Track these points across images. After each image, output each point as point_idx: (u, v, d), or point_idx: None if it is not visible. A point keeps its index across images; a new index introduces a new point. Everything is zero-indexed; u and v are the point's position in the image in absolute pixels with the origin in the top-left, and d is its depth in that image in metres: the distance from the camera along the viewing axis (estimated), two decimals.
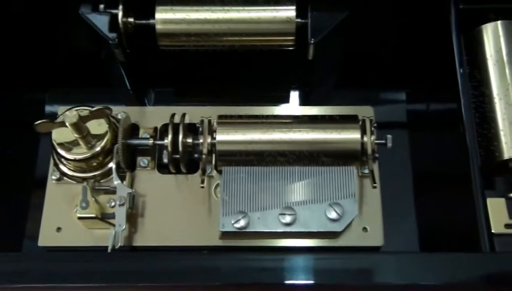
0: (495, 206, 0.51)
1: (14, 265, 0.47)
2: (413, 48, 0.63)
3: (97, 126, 0.56)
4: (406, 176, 0.64)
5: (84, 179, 0.57)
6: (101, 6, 0.57)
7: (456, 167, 0.55)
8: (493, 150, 0.52)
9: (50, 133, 0.56)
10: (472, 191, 0.50)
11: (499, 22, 0.55)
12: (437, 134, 0.61)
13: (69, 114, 0.53)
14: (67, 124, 0.53)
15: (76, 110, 0.54)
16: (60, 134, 0.56)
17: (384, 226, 0.56)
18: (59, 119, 0.54)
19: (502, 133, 0.52)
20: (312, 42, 0.55)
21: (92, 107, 0.56)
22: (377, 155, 0.55)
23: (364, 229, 0.56)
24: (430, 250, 0.59)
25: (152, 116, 0.61)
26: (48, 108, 0.67)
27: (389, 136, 0.55)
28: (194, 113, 0.59)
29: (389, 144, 0.55)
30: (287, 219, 0.53)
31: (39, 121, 0.53)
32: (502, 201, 0.51)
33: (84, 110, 0.55)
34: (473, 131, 0.52)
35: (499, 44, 0.54)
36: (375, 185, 0.55)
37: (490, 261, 0.47)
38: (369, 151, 0.54)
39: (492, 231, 0.50)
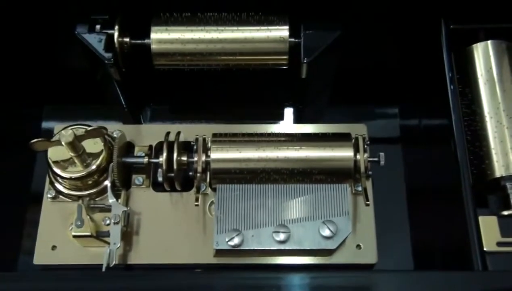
0: (487, 224, 0.51)
1: (9, 284, 0.47)
2: (405, 66, 0.64)
3: (93, 144, 0.57)
4: (399, 192, 0.64)
5: (79, 197, 0.57)
6: (97, 26, 0.57)
7: (449, 184, 0.55)
8: (484, 168, 0.52)
9: (46, 151, 0.56)
10: (464, 208, 0.51)
11: (489, 42, 0.56)
12: (430, 151, 0.61)
13: (65, 133, 0.53)
14: (62, 143, 0.53)
15: (72, 129, 0.55)
16: (56, 153, 0.56)
17: (378, 243, 0.57)
18: (55, 138, 0.55)
19: (493, 151, 0.52)
20: (305, 61, 0.56)
21: (88, 125, 0.56)
22: (370, 173, 0.56)
23: (358, 246, 0.57)
24: (423, 268, 0.60)
25: (147, 134, 0.61)
26: (45, 125, 0.68)
27: (381, 154, 0.56)
28: (188, 131, 0.59)
29: (382, 162, 0.56)
30: (281, 236, 0.53)
31: (35, 140, 0.53)
32: (494, 219, 0.52)
33: (80, 129, 0.56)
34: (465, 149, 0.52)
35: (489, 63, 0.55)
36: (368, 202, 0.55)
37: (482, 279, 0.47)
38: (362, 168, 0.55)
39: (484, 249, 0.50)
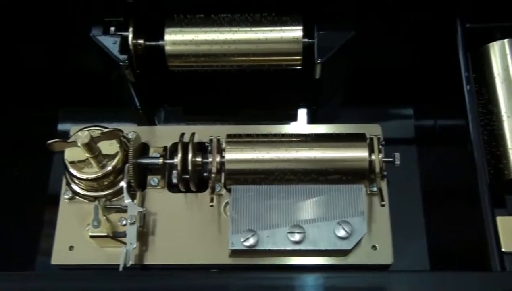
0: (505, 224, 0.51)
1: (27, 284, 0.47)
2: (420, 66, 0.64)
3: (108, 146, 0.57)
4: (415, 192, 0.64)
5: (95, 198, 0.58)
6: (112, 28, 0.58)
7: (465, 185, 0.55)
8: (501, 168, 0.52)
9: (62, 153, 0.57)
10: (481, 209, 0.50)
11: (505, 40, 0.55)
12: (445, 151, 0.61)
13: (81, 134, 0.54)
14: (79, 144, 0.54)
15: (88, 130, 0.55)
16: (72, 154, 0.57)
17: (393, 244, 0.56)
18: (71, 139, 0.56)
19: (510, 151, 0.52)
20: (319, 61, 0.56)
21: (104, 127, 0.57)
22: (385, 173, 0.55)
23: (373, 247, 0.56)
24: (440, 269, 0.59)
25: (161, 135, 0.62)
26: (60, 127, 0.68)
27: (397, 154, 0.55)
28: (203, 132, 0.59)
29: (397, 162, 0.55)
30: (296, 237, 0.53)
31: (52, 141, 0.54)
32: None
33: (96, 131, 0.56)
34: (481, 149, 0.52)
35: (506, 62, 0.54)
36: (383, 203, 0.55)
37: (500, 280, 0.46)
38: (377, 169, 0.55)
39: (502, 249, 0.49)
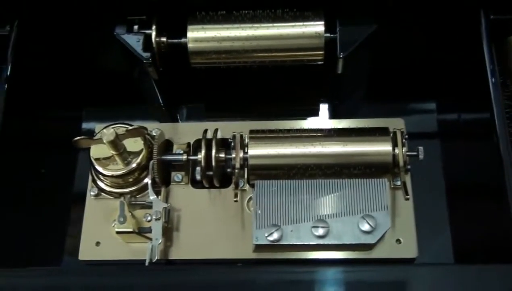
0: None
1: (54, 279, 0.48)
2: (443, 59, 0.63)
3: (133, 143, 0.58)
4: (439, 186, 0.63)
5: (121, 195, 0.58)
6: (135, 27, 0.58)
7: (490, 178, 0.54)
8: None
9: (87, 151, 0.58)
10: (508, 202, 0.50)
11: None
12: (470, 145, 0.60)
13: (107, 132, 0.55)
14: (104, 141, 0.55)
15: (113, 128, 0.56)
16: (98, 152, 0.57)
17: (418, 237, 0.56)
18: (97, 137, 0.56)
19: None
20: (341, 56, 0.56)
21: (128, 124, 0.58)
22: (409, 167, 0.55)
23: (398, 241, 0.56)
24: (465, 262, 0.59)
25: (184, 132, 0.62)
26: (85, 126, 0.69)
27: (420, 148, 0.55)
28: (225, 128, 0.60)
29: (421, 156, 0.55)
30: (320, 231, 0.54)
31: (78, 138, 0.55)
32: None
33: (121, 128, 0.57)
34: (507, 143, 0.51)
35: None
36: (407, 196, 0.55)
37: None
38: (401, 163, 0.54)
39: None
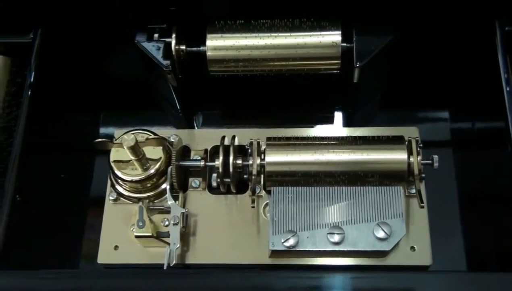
0: None
1: (73, 281, 0.49)
2: (458, 68, 0.64)
3: (152, 149, 0.59)
4: (452, 195, 0.64)
5: (139, 199, 0.59)
6: (156, 35, 0.60)
7: (504, 186, 0.55)
8: None
9: (106, 156, 0.59)
10: None
11: None
12: (483, 153, 0.61)
13: (127, 137, 0.56)
14: (124, 147, 0.56)
15: (133, 133, 0.57)
16: (117, 157, 0.59)
17: (432, 245, 0.57)
18: (117, 141, 0.57)
19: None
20: (357, 65, 0.57)
21: (148, 131, 0.59)
22: (423, 175, 0.56)
23: (412, 248, 0.57)
24: (478, 270, 0.59)
25: (201, 138, 0.63)
26: (102, 131, 0.70)
27: (435, 156, 0.56)
28: (241, 135, 0.60)
29: (436, 165, 0.56)
30: (336, 238, 0.54)
31: (99, 140, 0.56)
32: None
33: (141, 135, 0.58)
34: None
35: None
36: (422, 204, 0.56)
37: None
38: (416, 171, 0.55)
39: None
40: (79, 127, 0.70)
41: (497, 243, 0.57)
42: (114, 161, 0.58)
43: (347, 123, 0.67)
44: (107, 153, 0.59)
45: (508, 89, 0.54)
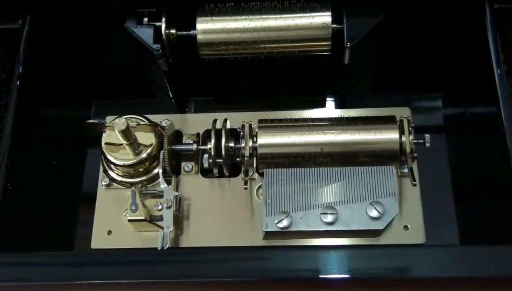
0: None
1: (66, 262, 0.49)
2: (449, 50, 0.64)
3: (144, 134, 0.58)
4: (445, 177, 0.63)
5: (132, 184, 0.59)
6: (145, 19, 0.59)
7: (497, 172, 0.55)
8: None
9: (100, 140, 0.58)
10: None
11: None
12: (476, 136, 0.61)
13: (118, 121, 0.56)
14: (116, 130, 0.56)
15: (125, 118, 0.57)
16: (109, 141, 0.58)
17: (425, 224, 0.57)
18: (108, 124, 0.57)
19: None
20: (348, 46, 0.57)
21: (140, 117, 0.59)
22: (415, 154, 0.56)
23: (405, 227, 0.57)
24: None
25: (193, 123, 0.63)
26: (95, 119, 0.70)
27: (427, 135, 0.56)
28: (233, 119, 0.60)
29: (427, 144, 0.56)
30: (329, 218, 0.54)
31: (90, 121, 0.56)
32: None
33: (133, 119, 0.58)
34: None
35: None
36: (415, 182, 0.56)
37: None
38: (408, 150, 0.55)
39: None
40: (70, 115, 0.69)
41: (491, 226, 0.57)
42: (106, 143, 0.58)
43: (339, 105, 0.67)
44: (99, 138, 0.58)
45: (499, 71, 0.54)
